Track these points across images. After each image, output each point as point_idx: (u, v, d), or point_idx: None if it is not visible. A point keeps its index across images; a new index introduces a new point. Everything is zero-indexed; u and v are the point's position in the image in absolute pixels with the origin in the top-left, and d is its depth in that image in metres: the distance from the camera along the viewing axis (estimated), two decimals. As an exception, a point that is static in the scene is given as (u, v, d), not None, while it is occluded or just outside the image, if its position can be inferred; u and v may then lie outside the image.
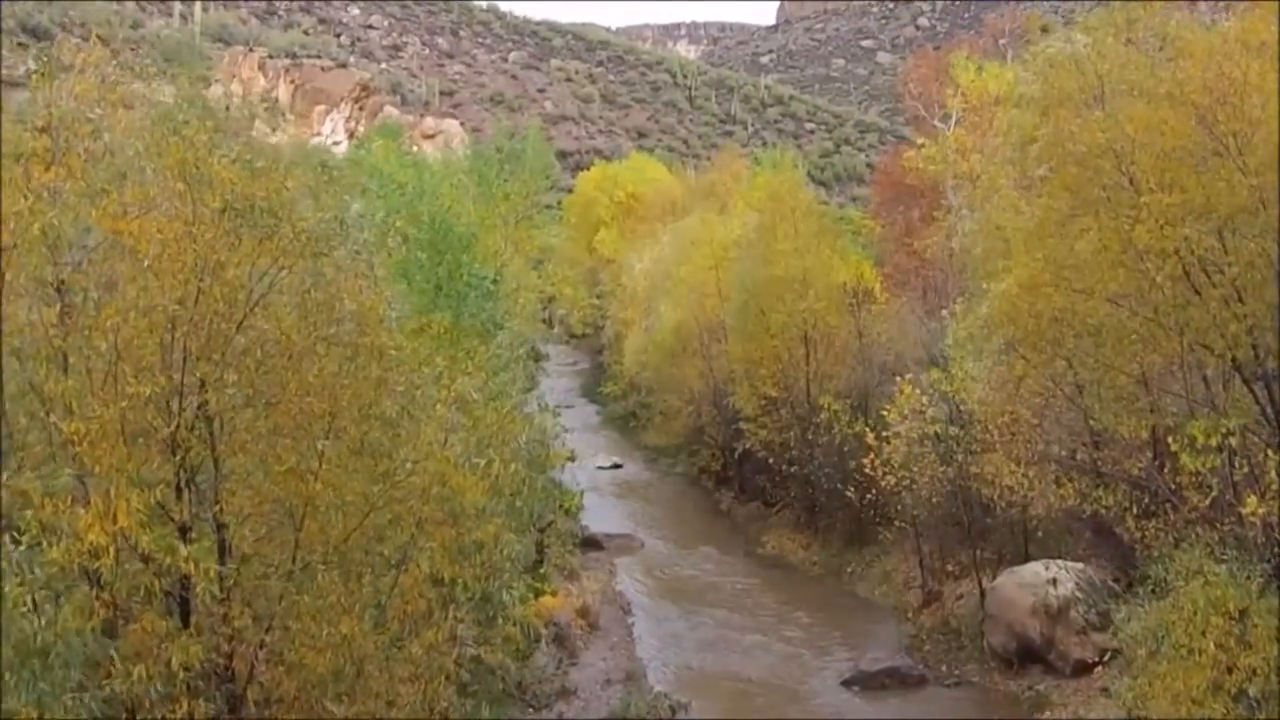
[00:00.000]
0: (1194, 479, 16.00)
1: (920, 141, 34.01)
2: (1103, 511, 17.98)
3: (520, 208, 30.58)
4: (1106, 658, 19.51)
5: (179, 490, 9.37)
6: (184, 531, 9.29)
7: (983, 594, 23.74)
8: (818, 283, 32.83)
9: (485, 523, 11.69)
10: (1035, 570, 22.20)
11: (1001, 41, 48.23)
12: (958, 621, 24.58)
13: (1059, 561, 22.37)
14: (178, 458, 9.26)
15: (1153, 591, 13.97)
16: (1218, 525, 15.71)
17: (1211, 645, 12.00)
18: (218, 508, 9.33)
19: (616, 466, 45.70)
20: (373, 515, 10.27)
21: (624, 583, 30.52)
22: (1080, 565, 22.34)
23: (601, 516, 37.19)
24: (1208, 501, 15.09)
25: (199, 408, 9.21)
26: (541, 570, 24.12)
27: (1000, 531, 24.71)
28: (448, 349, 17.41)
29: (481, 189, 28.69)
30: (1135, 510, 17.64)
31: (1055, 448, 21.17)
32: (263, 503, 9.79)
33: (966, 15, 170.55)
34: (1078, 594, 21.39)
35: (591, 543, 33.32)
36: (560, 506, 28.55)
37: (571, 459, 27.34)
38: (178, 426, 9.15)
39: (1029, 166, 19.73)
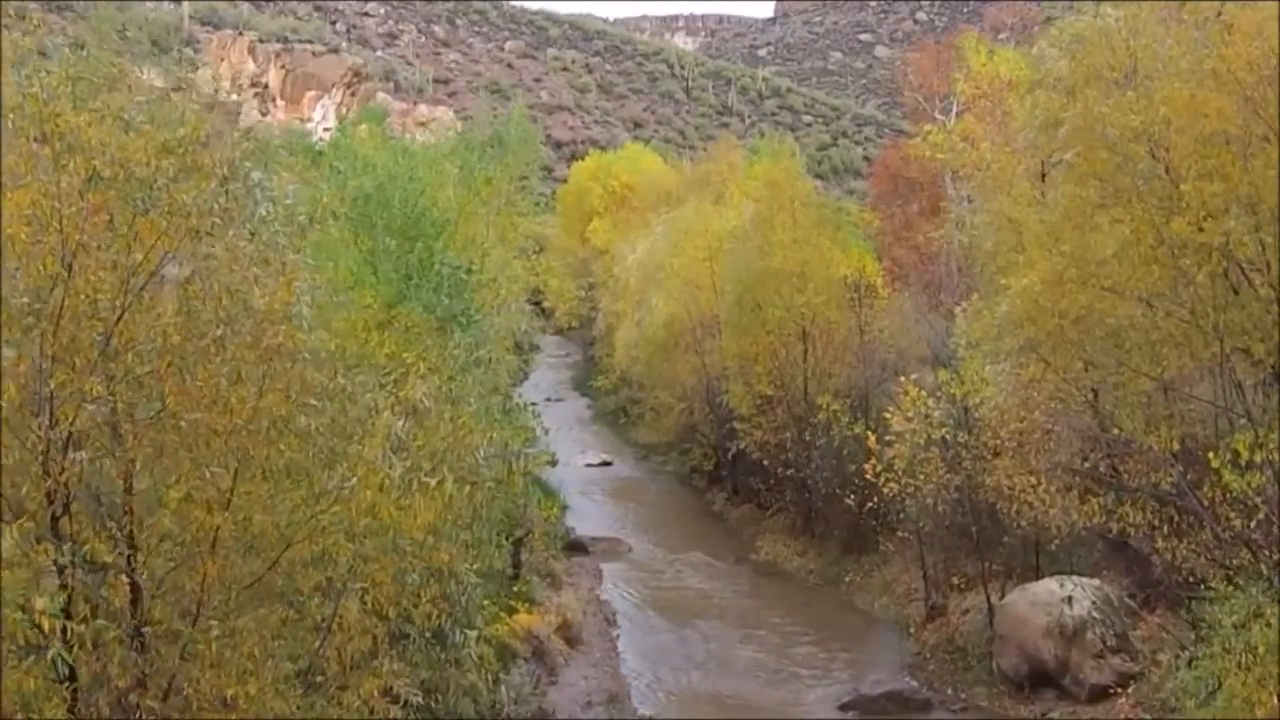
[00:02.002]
0: (1227, 495, 14.48)
1: (926, 128, 32.44)
2: (1130, 530, 16.40)
3: (504, 193, 28.95)
4: (1130, 688, 17.98)
5: (54, 524, 7.76)
6: (61, 572, 7.69)
7: (991, 610, 22.28)
8: (816, 276, 31.38)
9: (433, 553, 10.13)
10: (1049, 588, 20.80)
11: (1002, 35, 46.79)
12: (964, 639, 23.12)
13: (1074, 578, 20.99)
14: (47, 484, 7.65)
15: (1202, 637, 12.47)
16: (1259, 551, 14.22)
17: (1275, 699, 10.47)
18: (87, 548, 7.69)
19: (605, 464, 44.36)
20: (292, 550, 8.69)
21: (609, 591, 29.05)
22: (1096, 582, 20.98)
23: (588, 518, 35.82)
24: (1253, 524, 13.52)
25: (59, 425, 7.57)
26: (516, 587, 22.51)
27: (1010, 543, 23.23)
28: (416, 345, 15.85)
29: (463, 173, 27.03)
30: (1165, 529, 16.09)
31: (1074, 457, 19.63)
32: (161, 539, 8.19)
33: (965, 9, 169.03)
34: (1094, 614, 20.08)
35: (576, 546, 31.91)
36: (541, 512, 26.93)
37: (553, 463, 25.74)
38: (47, 449, 7.55)
39: (1053, 151, 18.15)
